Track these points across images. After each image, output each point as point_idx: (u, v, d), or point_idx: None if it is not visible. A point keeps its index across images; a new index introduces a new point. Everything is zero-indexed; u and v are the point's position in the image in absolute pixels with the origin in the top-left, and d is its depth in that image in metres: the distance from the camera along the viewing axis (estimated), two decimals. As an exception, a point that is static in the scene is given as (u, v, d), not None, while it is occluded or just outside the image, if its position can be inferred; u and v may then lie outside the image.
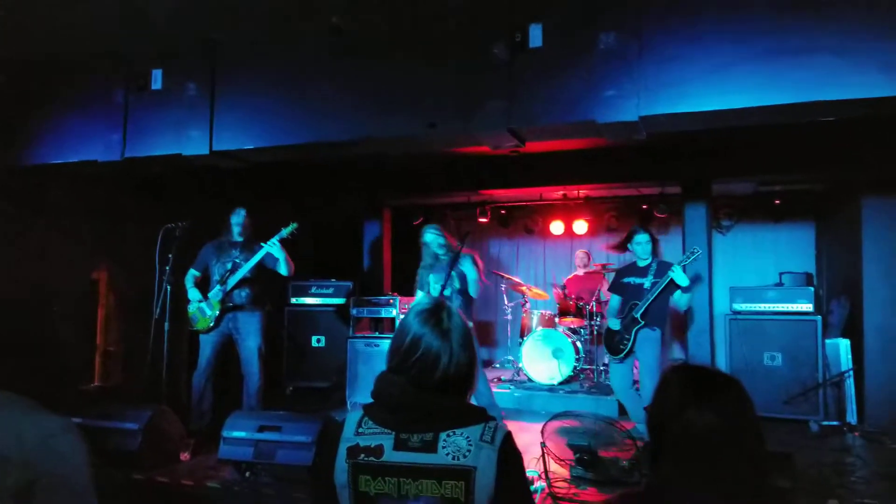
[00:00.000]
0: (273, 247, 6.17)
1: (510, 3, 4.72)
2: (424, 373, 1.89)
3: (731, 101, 4.17)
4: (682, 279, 6.02)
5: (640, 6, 4.41)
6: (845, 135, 6.68)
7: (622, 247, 6.75)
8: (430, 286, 6.28)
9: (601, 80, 4.47)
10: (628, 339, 6.19)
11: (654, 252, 6.47)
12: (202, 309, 6.20)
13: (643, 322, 6.15)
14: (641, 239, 6.42)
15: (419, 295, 6.44)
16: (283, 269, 6.31)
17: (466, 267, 6.15)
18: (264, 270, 6.34)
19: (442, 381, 1.88)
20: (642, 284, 6.28)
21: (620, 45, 4.42)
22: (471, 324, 6.17)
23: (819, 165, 7.34)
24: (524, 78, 4.66)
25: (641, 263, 6.41)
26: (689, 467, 1.66)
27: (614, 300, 6.62)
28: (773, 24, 4.07)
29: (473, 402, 2.04)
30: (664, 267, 6.22)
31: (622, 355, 6.24)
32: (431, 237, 6.31)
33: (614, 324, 6.34)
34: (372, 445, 1.87)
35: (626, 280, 6.49)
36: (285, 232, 6.26)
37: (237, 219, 6.36)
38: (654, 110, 4.34)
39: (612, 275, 9.49)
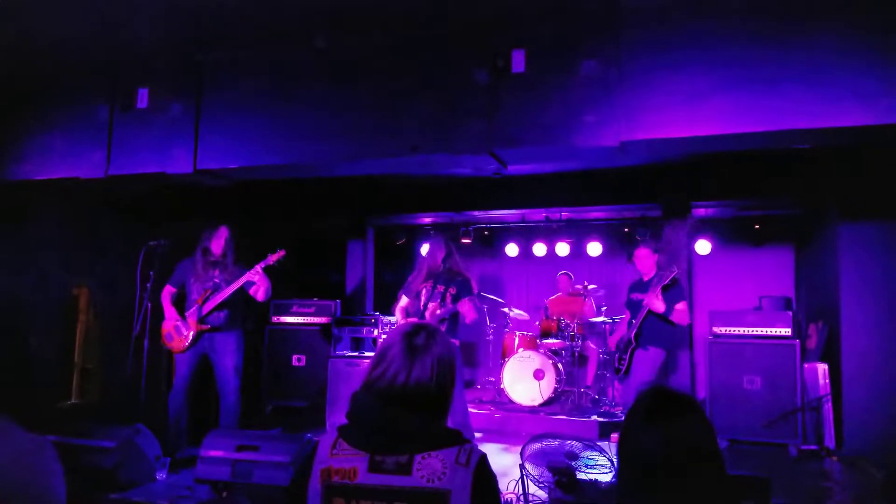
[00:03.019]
0: (256, 275, 6.13)
1: (493, 29, 4.78)
2: (384, 386, 1.91)
3: (708, 127, 4.23)
4: (656, 305, 6.00)
5: (619, 35, 4.48)
6: (824, 161, 6.78)
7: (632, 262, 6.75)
8: (421, 296, 6.24)
9: (582, 106, 4.52)
10: (625, 360, 6.22)
11: (658, 265, 6.44)
12: (178, 328, 6.15)
13: (636, 343, 6.16)
14: (640, 254, 6.44)
15: (403, 300, 6.41)
16: (259, 295, 6.24)
17: (463, 291, 6.12)
18: (242, 292, 6.27)
19: (402, 396, 1.89)
20: (641, 301, 6.29)
21: (601, 71, 4.48)
22: (457, 342, 6.20)
23: (798, 190, 7.44)
24: (507, 102, 4.71)
25: (645, 278, 6.44)
26: (642, 489, 1.67)
27: (625, 317, 6.66)
28: (746, 53, 4.16)
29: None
30: (660, 281, 6.22)
31: (620, 375, 6.30)
32: (432, 249, 6.30)
33: (612, 344, 6.39)
34: (346, 467, 1.87)
35: (632, 296, 6.53)
36: (273, 259, 6.22)
37: (217, 237, 6.25)
38: (634, 136, 4.39)
39: (595, 297, 9.62)
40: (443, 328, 6.04)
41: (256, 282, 6.12)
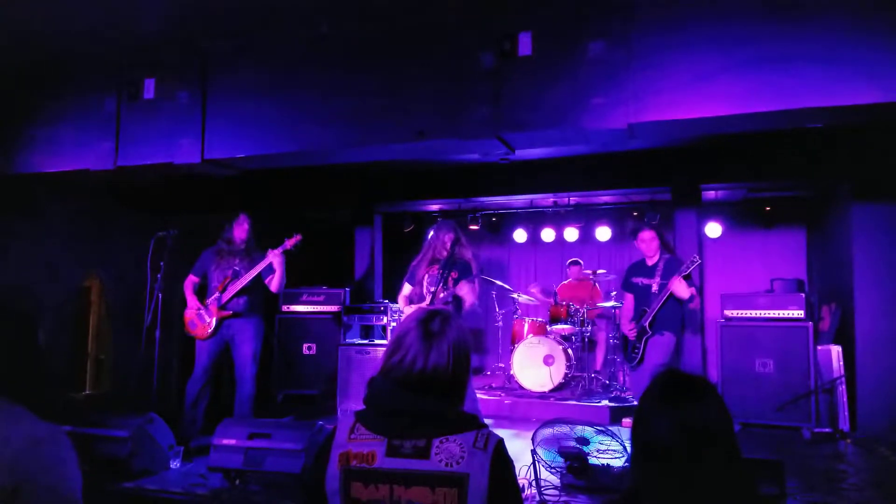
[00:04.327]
0: (276, 258, 6.14)
1: (499, 12, 4.74)
2: (403, 372, 1.91)
3: (718, 108, 4.19)
4: (682, 291, 6.02)
5: (627, 15, 4.44)
6: (836, 141, 6.73)
7: (634, 236, 6.74)
8: (424, 283, 6.23)
9: (590, 88, 4.49)
10: (639, 349, 6.22)
11: (663, 248, 6.45)
12: (200, 315, 6.19)
13: (652, 331, 6.17)
14: (645, 237, 6.43)
15: (406, 288, 6.39)
16: (273, 284, 6.28)
17: (463, 275, 6.10)
18: (260, 279, 6.31)
19: (419, 381, 1.90)
20: (650, 287, 6.29)
21: (609, 53, 4.45)
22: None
23: (809, 171, 7.38)
24: (513, 86, 4.67)
25: (649, 262, 6.42)
26: (658, 473, 1.66)
27: (627, 300, 6.64)
28: (757, 32, 4.11)
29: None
30: (672, 266, 6.21)
31: (635, 363, 6.30)
32: (440, 233, 6.25)
33: (629, 332, 6.39)
34: (364, 452, 1.87)
35: (634, 280, 6.50)
36: (290, 244, 6.23)
37: (239, 227, 6.31)
38: (643, 118, 4.36)
39: (604, 283, 9.60)
40: None
41: (275, 267, 6.16)
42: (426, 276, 6.21)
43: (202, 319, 6.18)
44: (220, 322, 6.18)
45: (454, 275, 6.05)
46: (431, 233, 6.33)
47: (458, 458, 1.81)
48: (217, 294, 6.18)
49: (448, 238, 6.12)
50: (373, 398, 1.95)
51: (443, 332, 1.95)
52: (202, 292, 6.33)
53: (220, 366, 6.38)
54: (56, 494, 1.77)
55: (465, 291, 6.02)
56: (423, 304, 6.07)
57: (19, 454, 1.72)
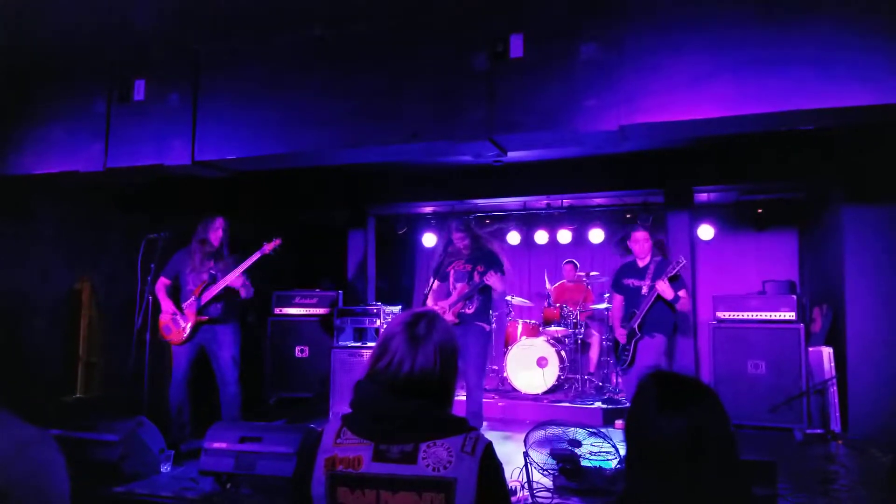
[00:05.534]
0: (239, 279, 6.07)
1: (491, 14, 4.74)
2: (389, 375, 1.89)
3: (710, 110, 4.19)
4: (667, 293, 6.02)
5: (620, 17, 4.44)
6: (828, 143, 6.74)
7: (622, 245, 6.76)
8: (449, 278, 6.50)
9: (582, 90, 4.48)
10: (629, 351, 6.23)
11: (655, 250, 6.45)
12: (175, 320, 6.12)
13: (641, 333, 6.17)
14: (638, 237, 6.42)
15: (434, 284, 6.57)
16: (241, 294, 6.20)
17: (491, 266, 6.27)
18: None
19: (406, 385, 1.87)
20: (640, 289, 6.30)
21: (601, 55, 4.44)
22: (487, 327, 6.31)
23: (801, 174, 7.40)
24: (505, 87, 4.67)
25: (640, 263, 6.42)
26: (657, 476, 1.65)
27: (617, 301, 6.64)
28: (749, 34, 4.11)
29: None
30: (661, 268, 6.21)
31: (625, 366, 6.31)
32: (459, 235, 6.45)
33: (619, 335, 6.41)
34: (350, 456, 1.85)
35: (625, 281, 6.50)
36: (269, 248, 6.18)
37: (215, 229, 6.22)
38: (635, 119, 4.35)
39: (597, 284, 9.60)
40: (472, 309, 6.25)
41: (238, 287, 6.11)
42: (451, 271, 6.47)
43: (177, 324, 6.10)
44: (195, 327, 6.10)
45: (480, 268, 6.21)
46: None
47: (446, 463, 1.80)
48: (194, 298, 6.10)
49: (458, 234, 6.40)
50: (359, 402, 1.93)
51: (429, 335, 1.93)
52: (174, 295, 6.25)
53: (205, 369, 6.32)
54: (44, 498, 1.75)
55: (494, 280, 6.22)
56: (451, 300, 6.37)
57: (6, 458, 1.70)
